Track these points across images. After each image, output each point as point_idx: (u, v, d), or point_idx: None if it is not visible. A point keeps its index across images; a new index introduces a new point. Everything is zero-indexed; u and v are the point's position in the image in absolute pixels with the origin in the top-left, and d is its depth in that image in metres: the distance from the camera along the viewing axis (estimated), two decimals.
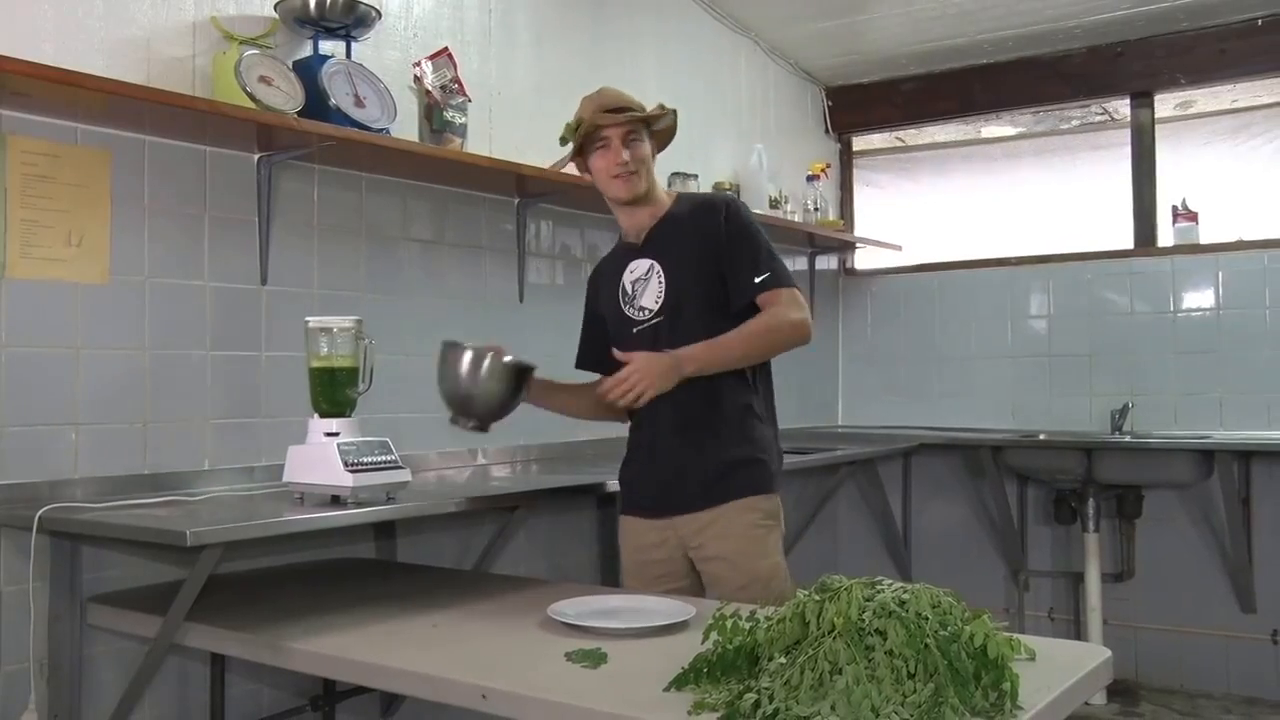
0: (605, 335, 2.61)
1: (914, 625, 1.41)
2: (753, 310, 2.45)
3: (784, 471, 2.61)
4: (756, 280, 2.43)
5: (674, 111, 2.57)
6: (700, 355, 2.37)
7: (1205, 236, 4.56)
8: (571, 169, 2.67)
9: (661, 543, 2.53)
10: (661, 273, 2.51)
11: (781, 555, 2.51)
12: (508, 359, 2.47)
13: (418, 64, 3.12)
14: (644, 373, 2.32)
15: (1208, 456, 4.13)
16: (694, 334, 2.41)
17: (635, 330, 2.53)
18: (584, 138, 2.49)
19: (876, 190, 5.56)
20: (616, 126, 2.46)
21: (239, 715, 2.64)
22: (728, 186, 4.22)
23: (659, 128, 2.57)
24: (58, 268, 2.37)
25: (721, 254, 2.47)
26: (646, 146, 2.53)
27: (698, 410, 2.45)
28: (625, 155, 2.46)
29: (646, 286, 2.53)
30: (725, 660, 1.54)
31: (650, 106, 2.55)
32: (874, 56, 5.02)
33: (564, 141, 2.53)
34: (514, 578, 2.86)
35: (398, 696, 2.89)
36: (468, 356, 2.43)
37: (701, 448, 2.47)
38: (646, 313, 2.52)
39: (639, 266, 2.56)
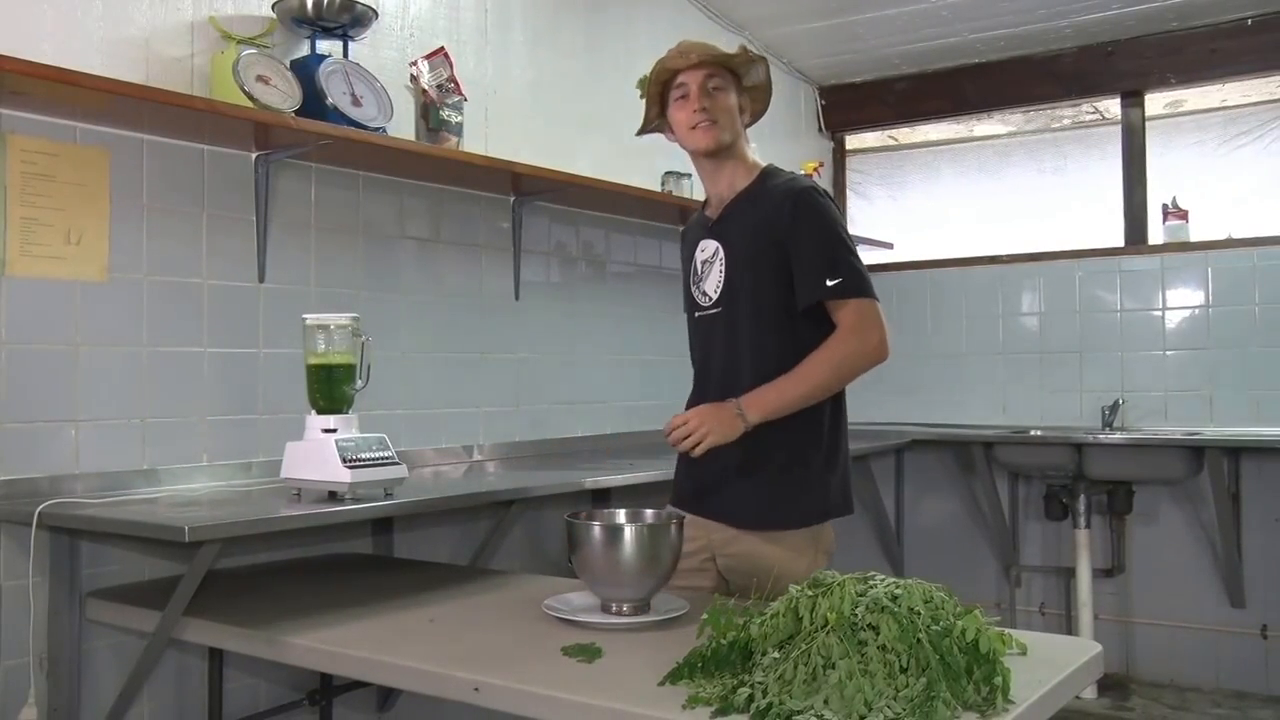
0: None
1: (906, 620, 1.43)
2: (823, 311, 2.22)
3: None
4: (829, 284, 2.17)
5: (763, 60, 2.31)
6: (766, 404, 2.17)
7: (1195, 234, 4.58)
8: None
9: (696, 548, 2.32)
10: (724, 260, 2.30)
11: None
12: (650, 521, 2.09)
13: (414, 63, 3.13)
14: (704, 419, 2.16)
15: (1198, 453, 4.16)
16: (753, 334, 2.26)
17: (698, 314, 2.39)
18: (662, 86, 2.30)
19: (869, 188, 5.58)
20: (694, 70, 2.25)
21: (237, 710, 2.65)
22: None
23: (750, 83, 2.33)
24: (57, 265, 2.38)
25: (788, 249, 2.21)
26: (732, 97, 2.29)
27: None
28: (705, 102, 2.24)
29: (710, 271, 2.34)
30: (719, 655, 1.56)
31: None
32: (867, 56, 5.04)
33: (641, 95, 2.33)
34: (510, 573, 2.87)
35: (394, 691, 2.91)
36: (600, 533, 1.97)
37: (746, 465, 2.25)
38: (708, 299, 2.34)
39: (708, 247, 2.35)
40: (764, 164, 2.38)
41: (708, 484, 2.32)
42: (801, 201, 2.23)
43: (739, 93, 2.33)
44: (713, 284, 2.33)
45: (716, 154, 2.32)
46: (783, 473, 2.26)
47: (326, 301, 2.89)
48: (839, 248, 2.22)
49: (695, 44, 2.29)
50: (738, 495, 2.28)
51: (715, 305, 2.33)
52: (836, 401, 2.34)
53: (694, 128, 2.28)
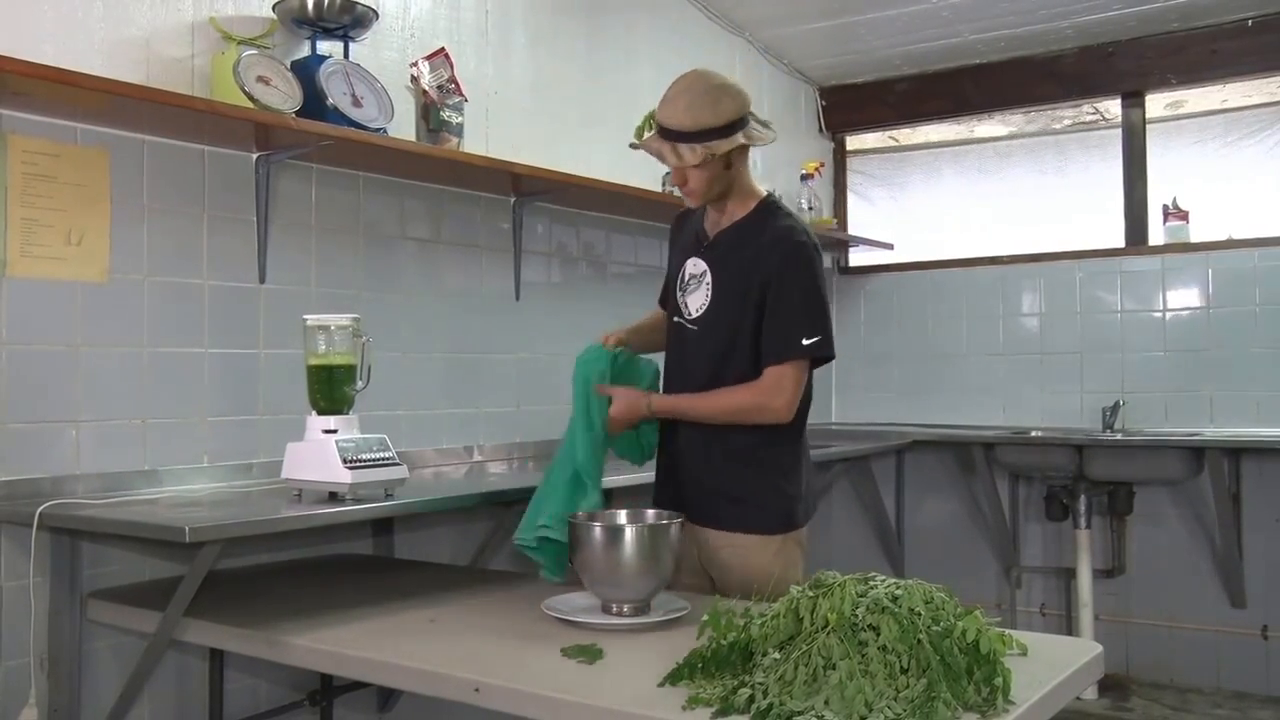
0: None
1: (907, 621, 1.43)
2: None
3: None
4: (805, 342, 2.26)
5: (724, 126, 2.24)
6: (671, 408, 2.41)
7: (1195, 235, 4.58)
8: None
9: (685, 550, 2.39)
10: (710, 287, 2.38)
11: (799, 576, 2.34)
12: (650, 522, 2.13)
13: (415, 64, 3.13)
14: (617, 409, 2.39)
15: (1198, 453, 4.16)
16: (722, 361, 2.34)
17: (675, 319, 2.47)
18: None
19: (870, 189, 5.58)
20: (656, 145, 2.32)
21: (237, 710, 2.66)
22: None
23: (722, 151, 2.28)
24: (58, 266, 2.38)
25: (766, 300, 2.29)
26: (709, 164, 2.29)
27: (718, 428, 2.36)
28: (677, 180, 2.37)
29: (697, 289, 2.41)
30: (720, 656, 1.56)
31: (648, 111, 2.44)
32: (867, 56, 5.04)
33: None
34: (510, 573, 2.88)
35: (395, 691, 2.91)
36: (601, 534, 1.99)
37: (717, 469, 2.38)
38: (688, 313, 2.42)
39: (697, 266, 2.43)
40: (764, 193, 2.43)
41: (683, 484, 2.45)
42: (790, 261, 2.30)
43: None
44: (696, 303, 2.42)
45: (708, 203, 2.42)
46: (754, 477, 2.38)
47: (327, 302, 2.89)
48: (814, 313, 2.29)
49: (666, 111, 2.29)
50: (714, 497, 2.39)
51: (694, 324, 2.41)
52: (800, 426, 2.42)
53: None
